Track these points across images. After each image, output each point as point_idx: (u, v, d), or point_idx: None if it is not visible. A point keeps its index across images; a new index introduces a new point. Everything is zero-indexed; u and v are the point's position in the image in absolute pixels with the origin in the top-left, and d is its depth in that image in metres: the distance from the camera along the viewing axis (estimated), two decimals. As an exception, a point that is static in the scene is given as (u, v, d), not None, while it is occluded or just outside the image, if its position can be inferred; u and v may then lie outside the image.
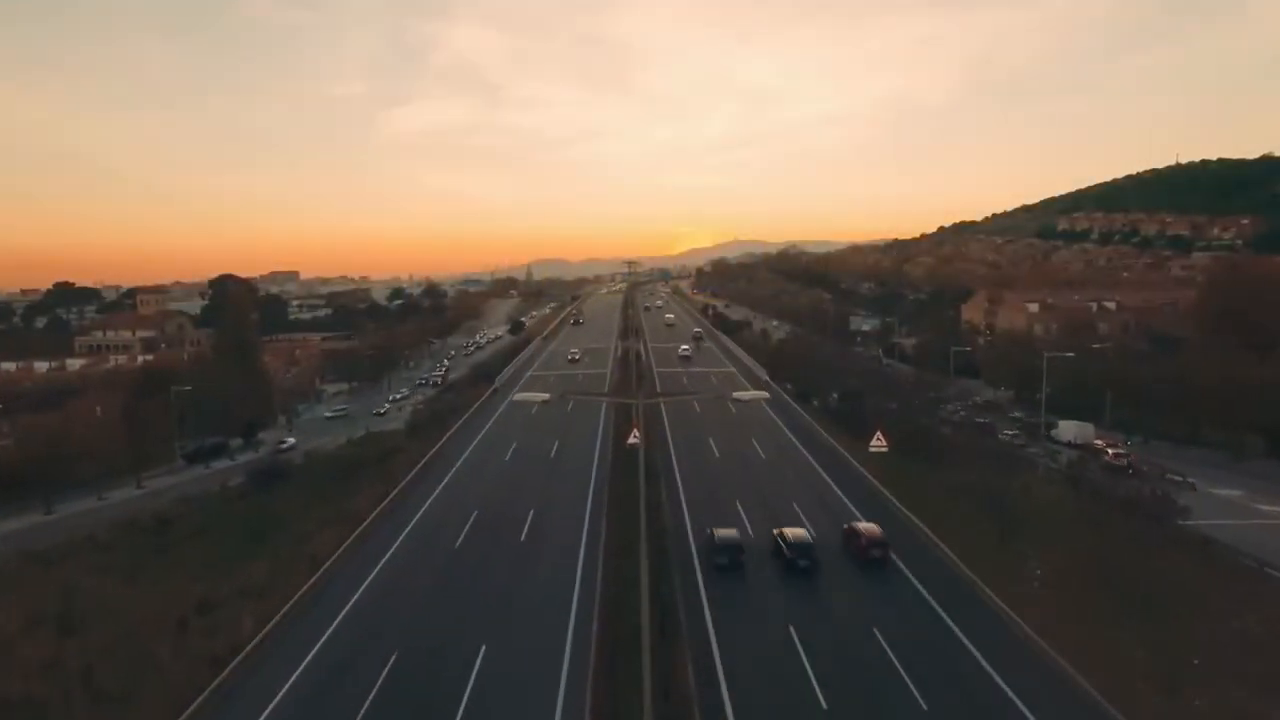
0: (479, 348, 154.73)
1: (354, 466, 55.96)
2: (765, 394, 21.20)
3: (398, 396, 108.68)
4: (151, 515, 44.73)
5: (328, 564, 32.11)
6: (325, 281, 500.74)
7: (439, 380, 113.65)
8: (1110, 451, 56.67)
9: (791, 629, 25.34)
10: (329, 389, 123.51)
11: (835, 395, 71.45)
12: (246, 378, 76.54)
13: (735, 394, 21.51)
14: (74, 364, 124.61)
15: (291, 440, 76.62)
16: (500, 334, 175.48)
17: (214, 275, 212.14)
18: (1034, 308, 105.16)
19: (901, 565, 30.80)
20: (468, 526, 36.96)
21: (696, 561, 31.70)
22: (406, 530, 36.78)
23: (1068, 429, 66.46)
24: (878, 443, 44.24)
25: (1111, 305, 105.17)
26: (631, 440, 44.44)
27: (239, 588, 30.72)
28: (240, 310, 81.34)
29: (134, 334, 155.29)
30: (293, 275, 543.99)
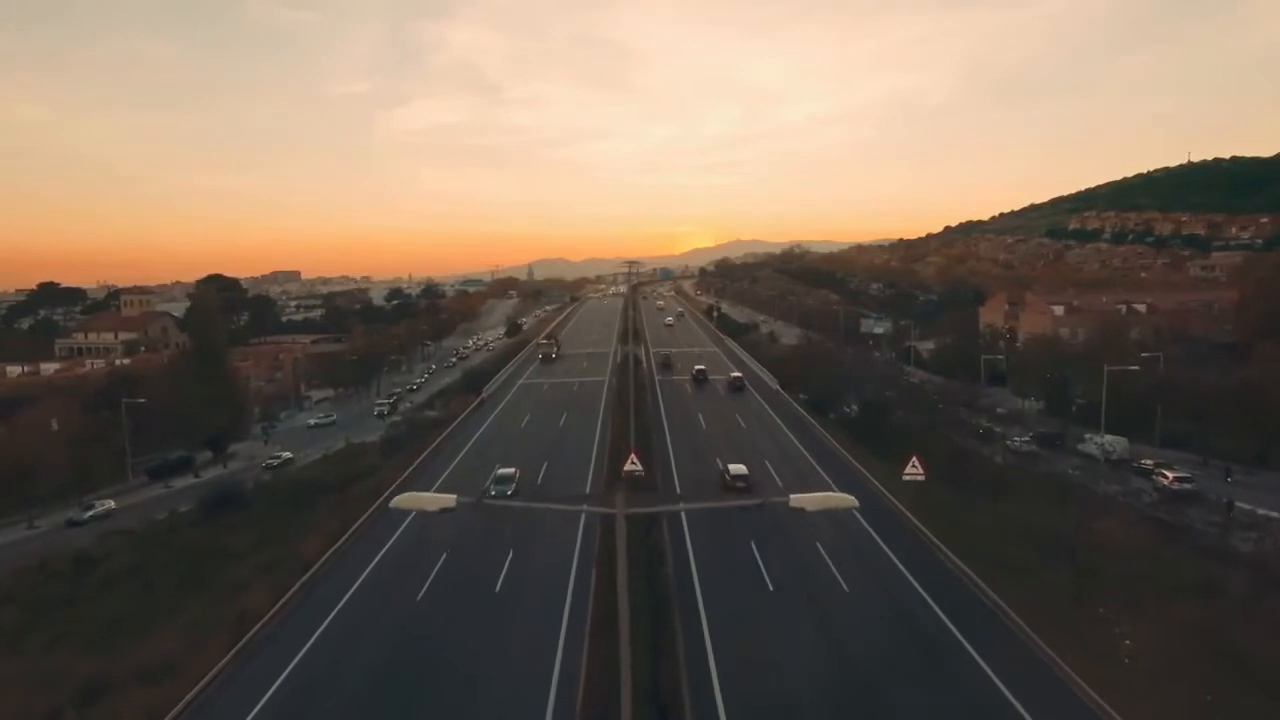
0: (462, 358, 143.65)
1: (321, 490, 50.02)
2: (853, 500, 9.15)
3: (316, 421, 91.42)
4: (71, 555, 38.56)
5: (255, 630, 26.10)
6: (326, 281, 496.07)
7: (386, 410, 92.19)
8: (1169, 475, 50.52)
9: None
10: (314, 395, 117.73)
11: (853, 406, 65.46)
12: (214, 386, 70.46)
13: (794, 497, 10.09)
14: (50, 368, 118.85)
15: (105, 505, 55.05)
16: (490, 340, 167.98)
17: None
18: (1059, 310, 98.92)
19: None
20: (435, 571, 30.98)
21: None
22: (362, 577, 30.71)
23: (1099, 442, 61.07)
24: (913, 470, 38.18)
25: (1142, 308, 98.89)
26: (629, 467, 38.45)
27: (139, 665, 24.69)
28: (208, 313, 75.27)
29: (116, 336, 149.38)
30: (294, 275, 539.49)
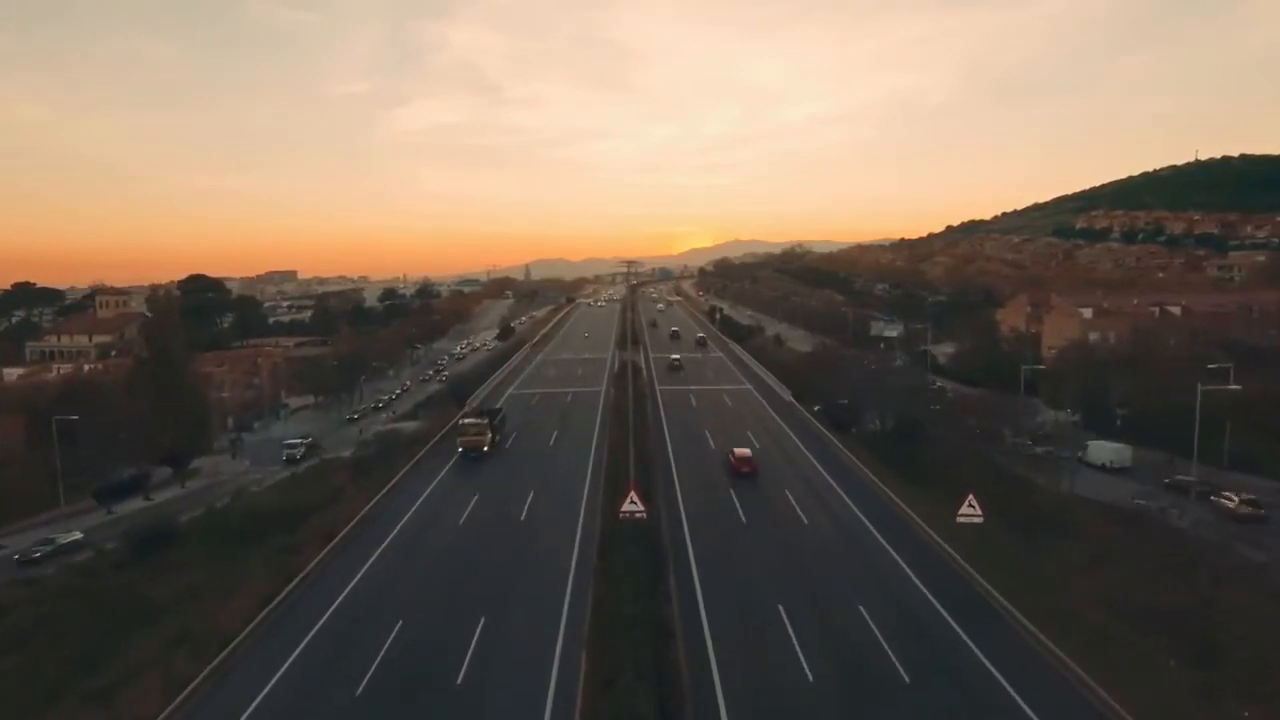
0: (439, 369, 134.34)
1: (274, 522, 43.39)
2: None
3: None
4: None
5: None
6: (323, 281, 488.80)
7: (299, 453, 71.37)
8: (1235, 498, 44.46)
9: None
10: (292, 403, 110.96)
11: (878, 422, 58.93)
12: (171, 397, 63.73)
13: None
14: (14, 373, 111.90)
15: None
16: (479, 344, 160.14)
17: (217, 275, 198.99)
18: (1088, 313, 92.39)
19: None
20: (382, 653, 24.48)
21: None
22: (284, 666, 24.11)
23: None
24: (969, 510, 31.82)
25: (1176, 310, 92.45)
26: (628, 507, 32.01)
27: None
28: (166, 317, 68.63)
29: (90, 339, 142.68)
30: (291, 275, 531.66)
